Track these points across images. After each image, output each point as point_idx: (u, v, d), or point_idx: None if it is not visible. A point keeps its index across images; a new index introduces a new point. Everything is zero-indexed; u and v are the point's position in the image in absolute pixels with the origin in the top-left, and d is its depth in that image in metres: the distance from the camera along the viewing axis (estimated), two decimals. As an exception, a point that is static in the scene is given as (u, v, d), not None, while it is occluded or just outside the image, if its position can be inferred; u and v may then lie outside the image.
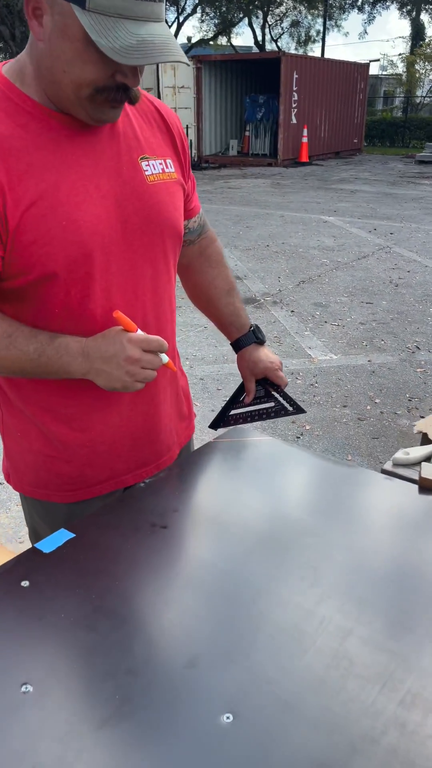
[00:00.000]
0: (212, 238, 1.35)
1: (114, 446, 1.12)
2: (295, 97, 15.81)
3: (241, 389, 1.38)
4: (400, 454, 1.18)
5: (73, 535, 0.93)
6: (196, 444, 1.34)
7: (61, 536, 0.93)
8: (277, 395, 1.38)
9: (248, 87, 17.39)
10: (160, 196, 1.07)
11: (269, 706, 0.66)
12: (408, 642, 0.75)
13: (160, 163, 1.08)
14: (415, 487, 1.07)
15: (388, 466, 1.18)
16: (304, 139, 15.93)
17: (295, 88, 15.71)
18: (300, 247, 7.34)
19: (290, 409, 1.36)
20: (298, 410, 1.35)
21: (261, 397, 1.38)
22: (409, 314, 5.13)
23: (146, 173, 1.05)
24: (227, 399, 1.39)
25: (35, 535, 1.24)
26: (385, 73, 32.33)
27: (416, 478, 1.13)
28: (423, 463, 1.09)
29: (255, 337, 1.35)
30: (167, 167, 1.10)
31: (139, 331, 0.99)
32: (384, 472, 1.18)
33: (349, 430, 3.38)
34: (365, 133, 20.66)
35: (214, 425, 1.36)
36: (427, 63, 27.12)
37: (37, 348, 0.98)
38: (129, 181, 1.03)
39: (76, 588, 0.83)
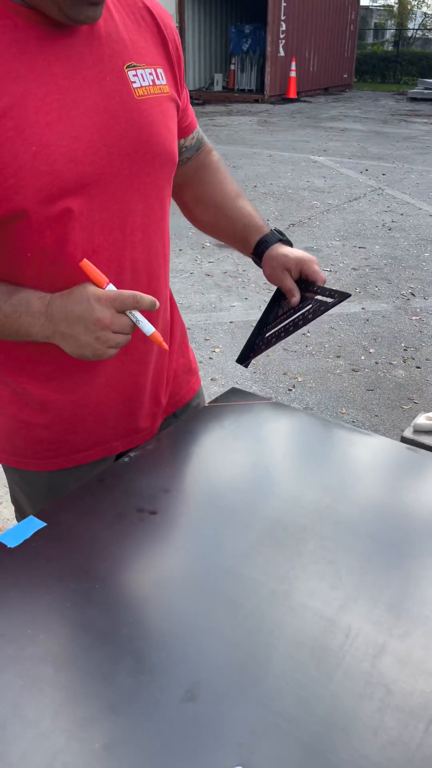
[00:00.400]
0: (210, 149, 1.15)
1: (99, 409, 0.97)
2: (283, 27, 14.97)
3: (270, 307, 1.14)
4: (422, 419, 1.03)
5: (44, 525, 0.78)
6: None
7: (30, 526, 0.78)
8: (314, 295, 1.10)
9: (234, 16, 16.44)
10: (152, 114, 0.88)
11: (288, 754, 0.53)
12: (454, 661, 0.61)
13: (150, 73, 0.88)
14: (443, 459, 0.93)
15: (408, 433, 1.03)
16: (292, 74, 15.19)
17: (282, 17, 14.86)
18: (289, 189, 7.03)
19: (330, 300, 1.08)
20: (342, 296, 1.06)
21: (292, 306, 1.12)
22: (403, 259, 4.93)
23: (134, 85, 0.86)
24: (254, 327, 1.14)
25: (19, 511, 1.10)
26: (375, 4, 30.78)
27: (441, 447, 0.99)
28: (451, 431, 0.95)
29: (279, 235, 1.12)
30: (158, 78, 0.90)
31: (110, 286, 0.82)
32: (404, 440, 1.03)
33: (343, 381, 3.24)
34: (355, 68, 19.79)
35: (243, 359, 1.13)
36: (420, -7, 25.84)
37: None
38: (113, 95, 0.83)
39: (46, 594, 0.68)
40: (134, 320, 0.83)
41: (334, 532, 0.77)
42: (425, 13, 26.61)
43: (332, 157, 8.85)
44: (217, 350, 3.52)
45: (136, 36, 0.87)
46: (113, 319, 0.81)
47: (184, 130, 1.03)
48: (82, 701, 0.57)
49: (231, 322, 3.87)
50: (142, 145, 0.87)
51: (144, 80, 0.87)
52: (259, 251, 1.12)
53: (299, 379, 3.24)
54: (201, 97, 15.14)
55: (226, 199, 1.13)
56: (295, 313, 1.08)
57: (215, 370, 3.31)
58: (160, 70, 0.91)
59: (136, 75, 0.86)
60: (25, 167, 0.76)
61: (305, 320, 1.06)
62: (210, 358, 3.44)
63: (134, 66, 0.86)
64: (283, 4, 14.77)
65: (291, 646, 0.62)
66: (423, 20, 26.57)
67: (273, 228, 1.13)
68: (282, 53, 15.09)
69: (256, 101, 15.13)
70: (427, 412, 1.05)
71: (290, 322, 1.08)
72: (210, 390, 3.08)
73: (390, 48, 24.35)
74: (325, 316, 3.92)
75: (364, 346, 3.60)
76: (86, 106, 0.81)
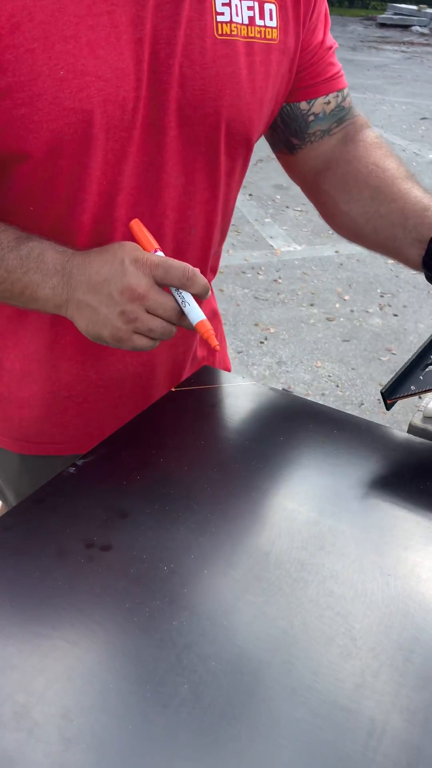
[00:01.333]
0: (363, 122, 0.84)
1: (85, 406, 0.81)
2: None
3: None
4: (434, 404, 0.85)
5: (-39, 571, 0.58)
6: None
7: None
8: None
9: None
10: (234, 63, 0.63)
11: None
12: None
13: (250, 7, 0.62)
14: (466, 457, 0.76)
15: (417, 420, 0.86)
16: (257, -5, 14.27)
17: None
18: (256, 121, 6.63)
19: None
20: None
21: None
22: (376, 198, 4.70)
23: (218, 18, 0.60)
24: (409, 360, 0.80)
25: None
26: None
27: (458, 437, 0.82)
28: (473, 421, 0.77)
29: None
30: (262, 17, 0.64)
31: (160, 253, 0.61)
32: (411, 430, 0.85)
33: (318, 332, 3.06)
34: (322, -10, 18.73)
35: (389, 395, 0.77)
36: None
37: None
38: (186, 25, 0.59)
39: (-41, 686, 0.49)
40: (180, 301, 0.60)
41: (341, 569, 0.60)
42: None
43: (300, 87, 8.39)
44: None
45: None
46: (150, 292, 0.58)
47: (312, 89, 0.75)
48: None
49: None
50: (207, 103, 0.63)
51: (237, 14, 0.62)
52: None
53: (271, 331, 3.05)
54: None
55: (389, 179, 0.76)
56: None
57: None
58: (270, 6, 0.64)
59: (227, 4, 0.61)
60: (45, 96, 0.54)
61: None
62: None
63: None
64: None
65: (296, 757, 0.45)
66: None
67: None
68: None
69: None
70: (439, 394, 0.88)
71: None
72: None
73: (358, -32, 23.08)
74: (296, 261, 3.70)
75: (338, 292, 3.42)
76: (145, 29, 0.57)
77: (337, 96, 0.80)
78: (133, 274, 0.58)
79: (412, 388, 0.75)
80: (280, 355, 2.86)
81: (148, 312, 0.59)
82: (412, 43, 12.79)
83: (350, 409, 2.51)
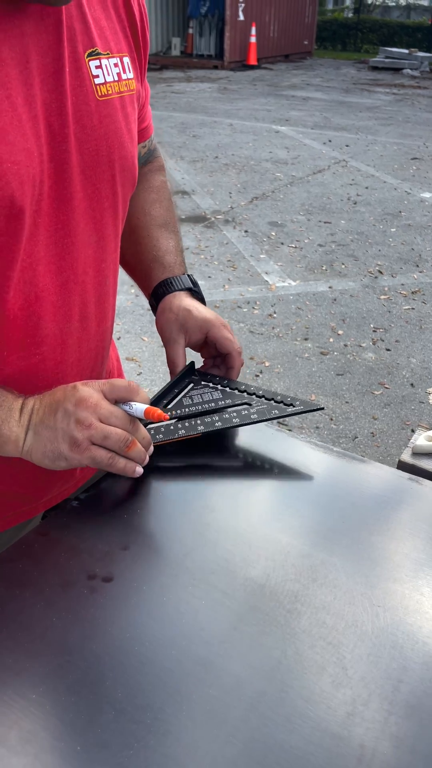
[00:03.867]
0: (160, 166, 0.95)
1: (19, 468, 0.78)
2: (243, -10, 14.47)
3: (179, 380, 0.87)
4: (422, 441, 0.89)
5: (-32, 602, 0.61)
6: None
7: None
8: (214, 384, 0.86)
9: (191, -24, 15.79)
10: (115, 120, 0.69)
11: None
12: None
13: (116, 64, 0.69)
14: (452, 492, 0.79)
15: (406, 456, 0.89)
16: (253, 39, 14.74)
17: (242, -20, 14.34)
18: (251, 160, 6.80)
19: (253, 411, 0.82)
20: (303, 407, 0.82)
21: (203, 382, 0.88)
22: (369, 235, 4.81)
23: (96, 81, 0.67)
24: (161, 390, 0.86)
25: None
26: (336, -32, 30.09)
27: (446, 473, 0.85)
28: (459, 457, 0.80)
29: (190, 283, 0.89)
30: (124, 71, 0.71)
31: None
32: (401, 465, 0.89)
33: (312, 366, 3.11)
34: (316, 34, 19.38)
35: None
36: (380, -43, 25.36)
37: None
38: (72, 93, 0.64)
39: (-34, 714, 0.51)
40: (127, 409, 0.67)
41: (332, 600, 0.63)
42: (385, -20, 26.15)
43: (295, 127, 8.63)
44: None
45: (99, 12, 0.68)
46: (101, 402, 0.64)
47: (140, 134, 0.84)
48: None
49: (194, 303, 3.69)
50: (102, 161, 0.68)
51: (108, 74, 0.68)
52: (158, 294, 0.88)
53: (266, 364, 3.09)
54: (159, 62, 14.60)
55: (146, 222, 0.91)
56: (200, 401, 0.85)
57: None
58: (126, 60, 0.71)
59: (99, 67, 0.67)
60: None
61: (221, 421, 0.81)
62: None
63: (98, 54, 0.67)
64: (243, -35, 14.25)
65: (289, 781, 0.47)
66: (383, -14, 26.13)
67: (187, 273, 0.90)
68: (241, 17, 14.61)
69: (216, 67, 14.66)
70: (427, 431, 0.91)
71: (195, 410, 0.83)
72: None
73: (350, 15, 23.92)
74: (291, 296, 3.78)
75: (332, 327, 3.48)
76: (39, 108, 0.61)
77: (152, 140, 0.91)
78: (84, 389, 0.64)
79: (159, 437, 0.80)
80: (274, 389, 2.89)
81: (101, 421, 0.64)
82: (403, 86, 13.19)
83: (344, 443, 2.54)
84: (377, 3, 25.21)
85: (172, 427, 0.81)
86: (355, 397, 2.87)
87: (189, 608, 0.61)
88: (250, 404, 0.84)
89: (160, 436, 0.80)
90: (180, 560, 0.66)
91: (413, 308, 3.70)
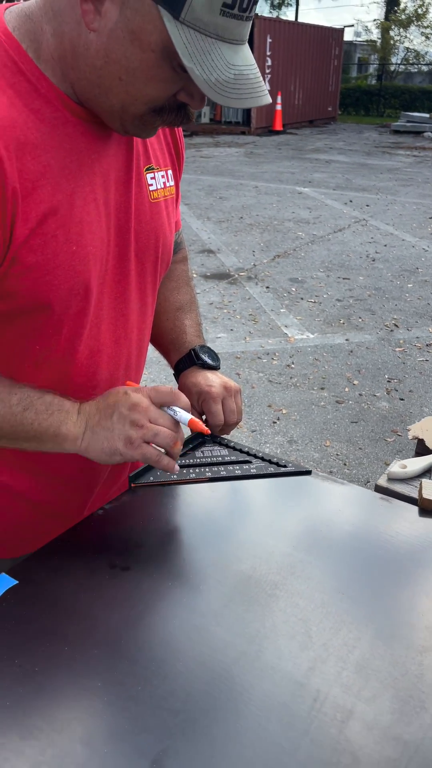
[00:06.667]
0: (184, 257, 1.16)
1: (37, 510, 0.95)
2: (269, 63, 15.36)
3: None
4: (396, 468, 1.04)
5: (16, 582, 0.78)
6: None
7: (1, 584, 0.77)
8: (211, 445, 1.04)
9: (220, 51, 16.77)
10: (161, 217, 0.90)
11: None
12: (420, 726, 0.61)
13: (162, 176, 0.91)
14: (415, 509, 0.94)
15: (382, 481, 1.04)
16: (278, 107, 15.53)
17: (268, 53, 15.25)
18: (275, 220, 7.14)
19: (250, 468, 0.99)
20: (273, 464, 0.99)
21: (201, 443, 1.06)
22: (386, 290, 5.01)
23: (150, 188, 0.88)
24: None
25: None
26: (359, 39, 31.65)
27: (415, 495, 1.00)
28: (423, 481, 0.95)
29: (194, 359, 1.05)
30: (168, 180, 0.92)
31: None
32: (378, 489, 1.04)
33: (327, 413, 3.26)
34: (340, 101, 20.27)
35: (134, 480, 0.97)
36: (401, 29, 26.62)
37: (22, 399, 0.79)
38: (135, 197, 0.85)
39: (15, 658, 0.67)
40: (171, 413, 0.82)
41: (306, 588, 0.77)
42: (407, 48, 27.40)
43: (317, 188, 9.02)
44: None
45: (152, 138, 0.89)
46: (150, 407, 0.79)
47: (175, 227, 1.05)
48: (43, 760, 0.56)
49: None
50: (150, 247, 0.89)
51: (158, 183, 0.89)
52: (176, 374, 1.08)
53: (284, 412, 3.25)
54: (189, 129, 15.41)
55: (165, 309, 1.10)
56: (210, 455, 1.03)
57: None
58: (170, 172, 0.93)
59: (153, 178, 0.89)
60: (63, 265, 0.76)
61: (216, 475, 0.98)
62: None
63: (152, 169, 0.89)
64: (269, 40, 15.17)
65: (259, 711, 0.62)
66: (405, 55, 27.35)
67: (193, 348, 1.06)
68: (268, 87, 15.39)
69: (243, 133, 15.42)
70: (401, 460, 1.07)
71: (195, 463, 1.01)
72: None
73: (373, 82, 25.01)
74: (309, 348, 3.96)
75: (348, 377, 3.64)
76: (111, 206, 0.82)
77: (179, 233, 1.10)
78: (135, 395, 0.79)
79: (151, 478, 0.96)
80: (291, 435, 3.04)
81: (151, 422, 0.78)
82: (423, 148, 13.69)
83: (356, 487, 2.66)
84: (399, 70, 26.32)
85: (184, 471, 0.98)
86: (369, 444, 2.99)
87: (189, 590, 0.77)
88: (250, 462, 1.02)
89: (174, 476, 0.97)
90: (184, 555, 0.82)
91: (427, 360, 3.84)
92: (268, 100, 0.73)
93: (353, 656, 0.68)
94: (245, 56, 0.69)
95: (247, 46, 0.70)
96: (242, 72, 0.68)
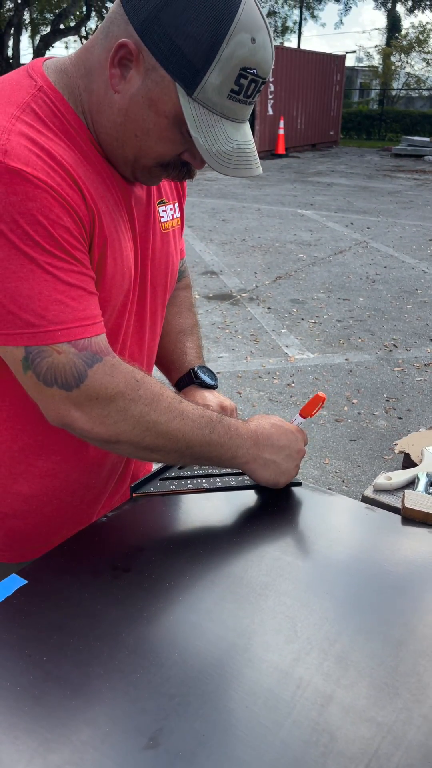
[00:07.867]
0: (187, 284, 1.28)
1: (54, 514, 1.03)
2: (272, 88, 15.69)
3: None
4: (381, 479, 1.11)
5: (26, 582, 0.84)
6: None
7: (12, 583, 0.84)
8: None
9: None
10: (170, 246, 1.02)
11: (240, 796, 0.58)
12: (393, 709, 0.67)
13: (171, 208, 1.02)
14: (398, 518, 1.00)
15: (369, 492, 1.11)
16: (281, 131, 15.82)
17: (271, 79, 15.57)
18: (276, 242, 7.27)
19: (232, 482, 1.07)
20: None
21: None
22: (386, 311, 5.10)
23: (161, 220, 0.99)
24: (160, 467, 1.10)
25: None
26: (361, 65, 32.28)
27: (399, 505, 1.06)
28: (406, 491, 1.02)
29: (193, 378, 1.15)
30: (175, 212, 1.04)
31: (298, 418, 1.07)
32: (365, 499, 1.10)
33: (327, 432, 3.32)
34: (341, 125, 20.62)
35: (134, 490, 1.04)
36: (403, 55, 27.14)
37: (208, 423, 0.91)
38: (150, 229, 0.97)
39: (25, 648, 0.74)
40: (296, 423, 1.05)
41: (293, 589, 0.84)
42: (408, 74, 27.91)
43: (319, 210, 9.17)
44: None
45: None
46: (300, 437, 1.01)
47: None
48: (55, 748, 0.62)
49: (218, 373, 3.97)
50: (161, 271, 1.01)
51: (167, 215, 1.00)
52: (178, 388, 1.18)
53: (284, 430, 3.31)
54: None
55: (167, 331, 1.20)
56: (207, 468, 1.09)
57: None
58: (176, 205, 1.04)
59: (164, 210, 0.99)
60: (115, 285, 0.88)
61: (212, 485, 1.05)
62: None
63: (163, 202, 1.00)
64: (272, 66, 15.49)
65: (247, 696, 0.68)
66: (406, 80, 27.85)
67: (192, 368, 1.16)
68: (271, 112, 15.75)
69: (246, 156, 15.65)
70: (386, 472, 1.13)
71: (194, 474, 1.08)
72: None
73: (375, 106, 25.43)
74: (309, 368, 4.04)
75: (347, 396, 3.70)
76: (136, 237, 0.94)
77: (183, 262, 1.21)
78: (301, 440, 1.00)
79: (151, 489, 1.04)
80: (290, 453, 3.11)
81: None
82: (423, 171, 13.90)
83: (354, 503, 2.72)
84: (401, 95, 26.77)
85: (183, 482, 1.06)
86: (367, 461, 3.05)
87: (185, 590, 0.83)
88: (244, 474, 1.07)
89: (173, 487, 1.04)
90: (180, 558, 0.89)
91: (425, 379, 3.91)
92: (260, 171, 0.85)
93: (334, 649, 0.75)
94: (245, 133, 0.81)
95: (247, 124, 0.82)
96: (240, 146, 0.80)
